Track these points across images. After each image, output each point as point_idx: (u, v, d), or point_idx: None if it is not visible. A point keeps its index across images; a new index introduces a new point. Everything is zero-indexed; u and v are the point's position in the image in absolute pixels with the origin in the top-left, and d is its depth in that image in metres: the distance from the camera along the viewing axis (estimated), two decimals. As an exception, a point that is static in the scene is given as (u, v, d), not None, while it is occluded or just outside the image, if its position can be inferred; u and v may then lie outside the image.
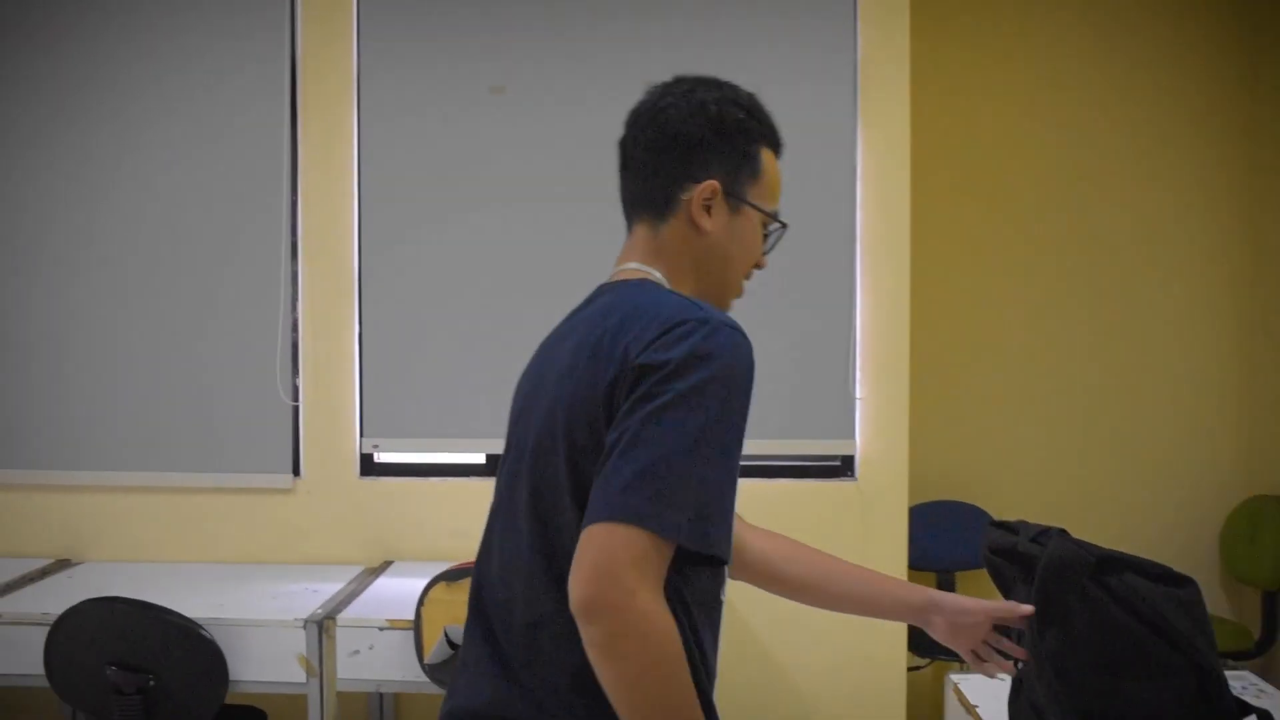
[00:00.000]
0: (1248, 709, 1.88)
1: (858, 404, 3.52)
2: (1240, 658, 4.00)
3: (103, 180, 3.64)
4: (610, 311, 1.55)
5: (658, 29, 3.54)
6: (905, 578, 3.54)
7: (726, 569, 1.61)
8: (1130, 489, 4.43)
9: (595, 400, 1.47)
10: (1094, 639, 1.80)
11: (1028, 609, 1.78)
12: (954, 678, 2.40)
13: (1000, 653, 1.90)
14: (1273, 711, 1.92)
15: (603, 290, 1.68)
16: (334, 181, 3.59)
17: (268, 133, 3.59)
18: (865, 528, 3.51)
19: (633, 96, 3.55)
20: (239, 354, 3.60)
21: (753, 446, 3.46)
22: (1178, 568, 4.47)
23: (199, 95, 3.61)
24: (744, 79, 3.39)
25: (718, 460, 1.42)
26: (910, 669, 3.69)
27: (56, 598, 3.08)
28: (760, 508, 3.53)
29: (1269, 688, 2.34)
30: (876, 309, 3.51)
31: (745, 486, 3.50)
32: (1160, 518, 4.42)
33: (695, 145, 1.63)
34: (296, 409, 3.60)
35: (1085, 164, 4.48)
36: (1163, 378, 4.48)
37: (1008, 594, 1.96)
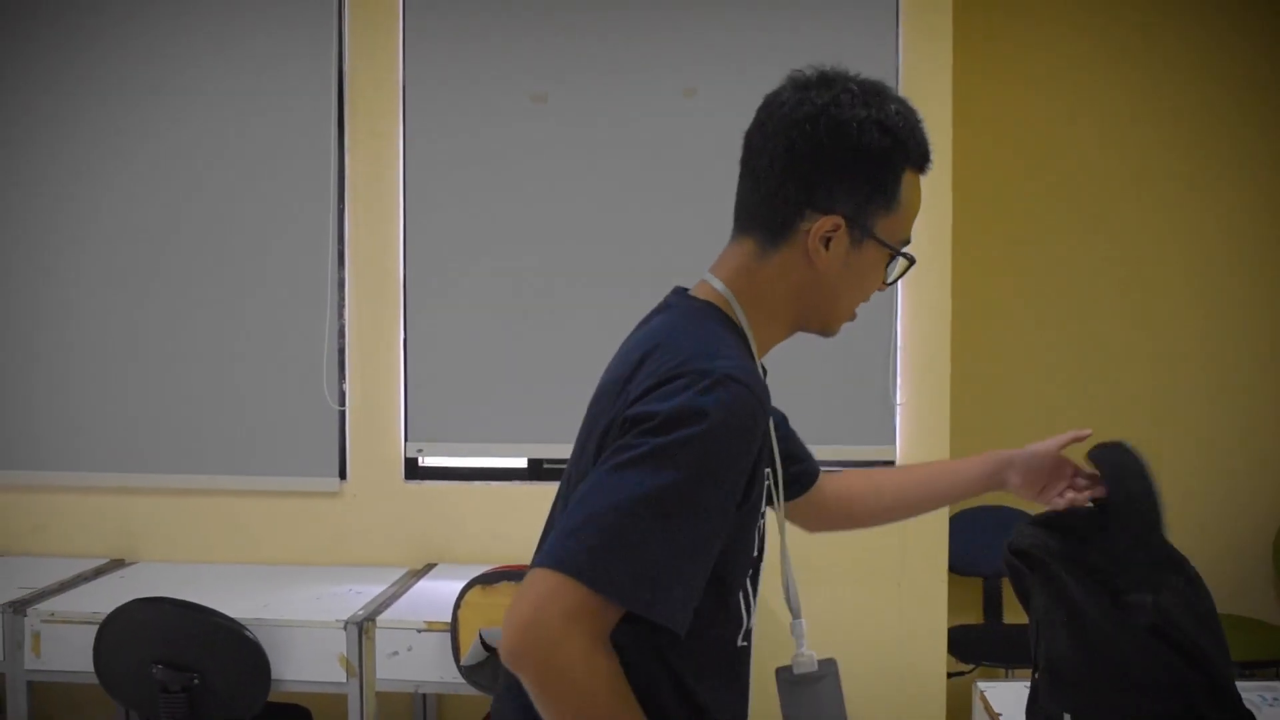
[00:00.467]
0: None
1: (898, 410, 3.52)
2: (1294, 667, 3.94)
3: (158, 192, 3.73)
4: (648, 342, 1.46)
5: (697, 40, 3.56)
6: (946, 582, 3.54)
7: (749, 623, 1.58)
8: (1180, 495, 4.36)
9: (594, 438, 1.43)
10: (1104, 648, 1.80)
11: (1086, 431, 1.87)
12: (981, 685, 2.40)
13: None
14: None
15: (666, 305, 1.59)
16: (380, 191, 3.65)
17: (315, 143, 3.66)
18: (905, 532, 3.50)
19: (672, 105, 3.58)
20: (287, 361, 3.67)
21: (793, 451, 3.46)
22: (1231, 575, 4.43)
23: (249, 107, 3.69)
24: (788, 75, 3.39)
25: (677, 524, 1.31)
26: (952, 675, 3.68)
27: (108, 597, 3.16)
28: (799, 513, 3.54)
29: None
30: (917, 316, 3.51)
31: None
32: (1211, 525, 4.36)
33: (826, 171, 1.47)
34: (343, 414, 3.66)
35: (1128, 172, 4.47)
36: (1215, 383, 4.43)
37: (1025, 602, 1.96)
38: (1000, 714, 2.23)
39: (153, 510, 3.74)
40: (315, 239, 3.66)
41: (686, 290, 1.58)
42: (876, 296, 3.43)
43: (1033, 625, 1.96)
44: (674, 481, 1.30)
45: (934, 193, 3.45)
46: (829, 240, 1.48)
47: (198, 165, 3.71)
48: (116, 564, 3.68)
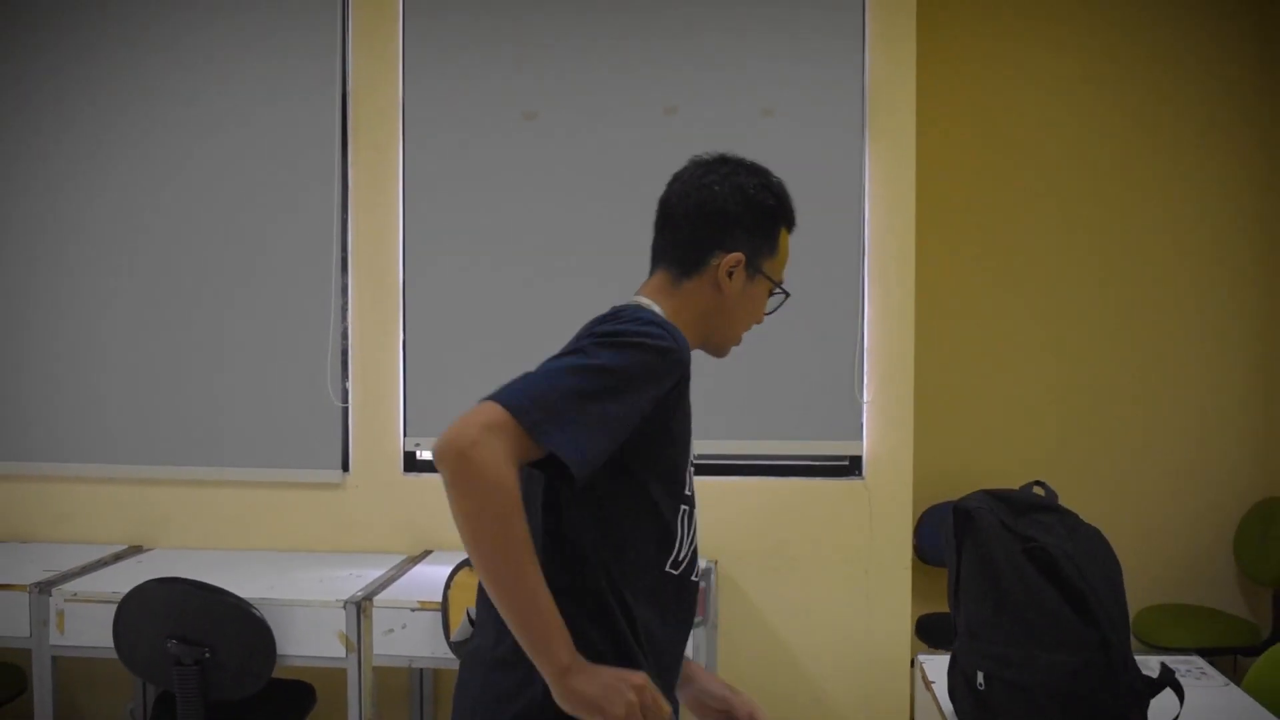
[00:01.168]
0: (1156, 686, 2.08)
1: (865, 407, 3.74)
2: (1248, 653, 4.14)
3: (176, 201, 3.96)
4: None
5: (677, 63, 3.78)
6: (910, 570, 3.76)
7: (680, 553, 1.83)
8: (1143, 491, 4.58)
9: None
10: (1008, 605, 2.02)
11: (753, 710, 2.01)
12: (921, 657, 2.61)
13: None
14: (1208, 695, 2.12)
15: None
16: (380, 201, 3.88)
17: (321, 157, 3.90)
18: (872, 523, 3.72)
19: (653, 122, 3.82)
20: (294, 360, 3.90)
21: (766, 447, 3.73)
22: (1192, 568, 4.71)
23: (261, 124, 3.92)
24: (762, 98, 3.66)
25: (594, 390, 1.63)
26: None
27: (127, 579, 3.39)
28: (770, 505, 3.78)
29: (1213, 671, 2.52)
30: (883, 318, 3.72)
31: (759, 483, 3.78)
32: (1174, 519, 4.57)
33: (732, 222, 1.90)
34: (346, 410, 3.90)
35: (1090, 169, 4.64)
36: (1176, 382, 4.63)
37: (955, 564, 2.18)
38: (933, 681, 2.43)
39: (168, 500, 3.98)
40: (320, 246, 3.89)
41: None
42: (841, 293, 3.69)
43: (953, 593, 2.19)
44: (600, 364, 1.65)
45: (898, 200, 3.70)
46: (732, 272, 1.89)
47: (214, 178, 3.95)
48: (134, 550, 3.92)
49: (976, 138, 4.66)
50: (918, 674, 2.59)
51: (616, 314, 1.78)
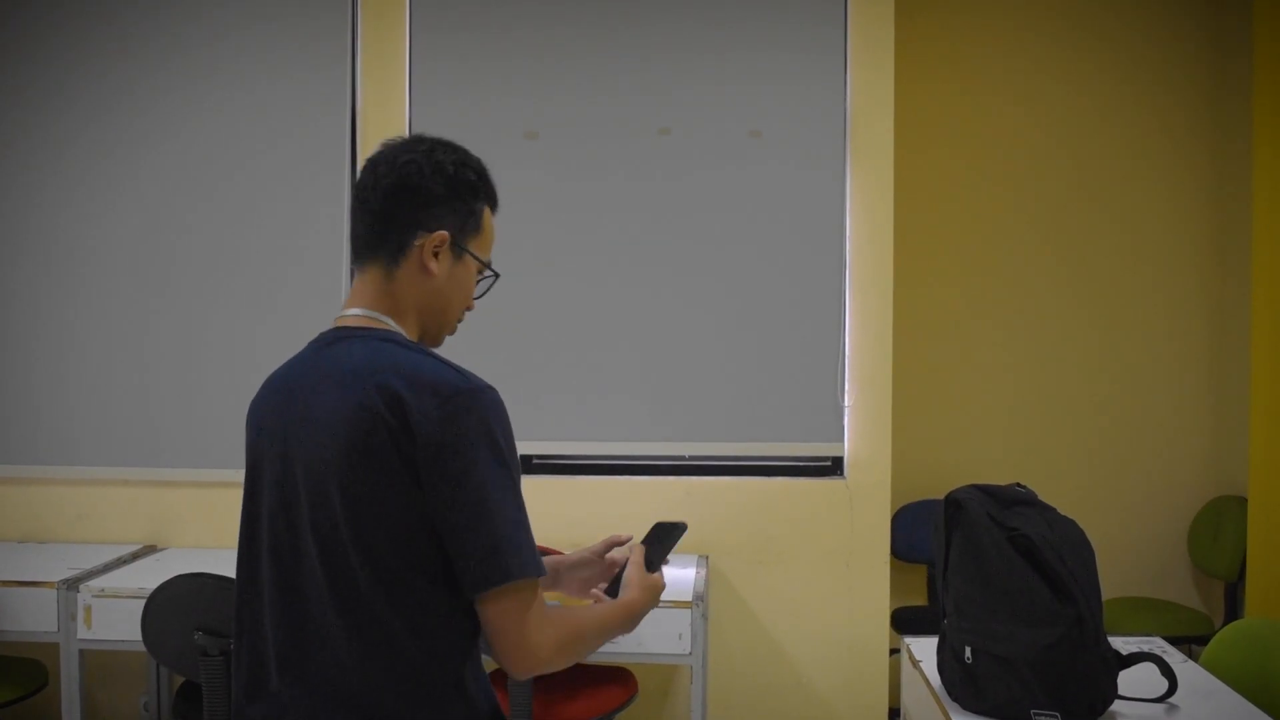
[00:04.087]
0: (1126, 661, 2.32)
1: (846, 411, 3.96)
2: (1201, 641, 4.39)
3: (190, 214, 4.13)
4: (370, 369, 1.74)
5: (671, 86, 4.00)
6: (888, 566, 3.99)
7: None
8: (1104, 490, 4.82)
9: (386, 465, 1.69)
10: (993, 586, 2.25)
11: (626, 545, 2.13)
12: (907, 639, 2.83)
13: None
14: (1172, 675, 2.35)
15: (342, 335, 1.85)
16: (387, 215, 4.06)
17: (330, 173, 4.08)
18: (852, 521, 3.95)
19: (648, 142, 4.02)
20: (304, 364, 4.07)
21: (752, 448, 3.95)
22: (1149, 562, 4.97)
23: (271, 141, 4.10)
24: (750, 120, 3.87)
25: (520, 499, 1.73)
26: (895, 651, 4.11)
27: (147, 576, 3.58)
28: (757, 503, 3.99)
29: (1173, 650, 2.75)
30: (863, 327, 3.95)
31: (747, 483, 3.99)
32: (1133, 517, 4.81)
33: (432, 199, 1.83)
34: (353, 414, 4.07)
35: (1058, 183, 4.87)
36: (1136, 385, 4.86)
37: (944, 551, 2.40)
38: (920, 660, 2.65)
39: (181, 500, 4.13)
40: (330, 259, 4.08)
41: (344, 328, 1.87)
42: (824, 305, 3.91)
43: (941, 577, 2.42)
44: (509, 475, 1.72)
45: (878, 214, 3.92)
46: (437, 253, 1.85)
47: (227, 192, 4.12)
48: (149, 549, 4.07)
49: (952, 154, 4.87)
50: (904, 655, 2.81)
51: (449, 400, 1.71)
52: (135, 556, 3.96)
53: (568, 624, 1.78)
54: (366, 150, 4.01)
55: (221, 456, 4.09)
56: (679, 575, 3.67)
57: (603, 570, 2.15)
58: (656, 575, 2.01)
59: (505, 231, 4.00)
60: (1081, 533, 2.32)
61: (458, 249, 1.88)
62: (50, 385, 4.18)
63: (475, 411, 1.71)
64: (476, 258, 1.91)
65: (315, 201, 4.09)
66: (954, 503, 2.39)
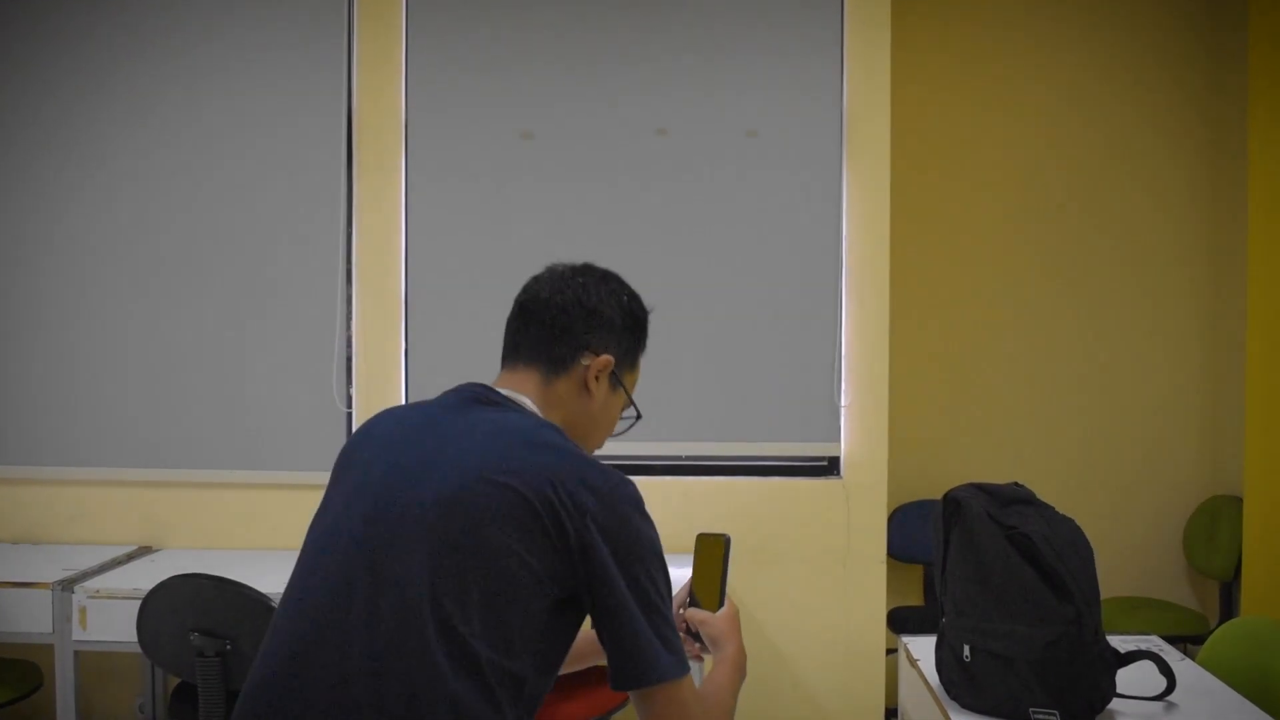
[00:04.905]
0: (1124, 659, 2.33)
1: (843, 412, 3.97)
2: (1197, 641, 4.40)
3: (189, 219, 4.12)
4: (532, 444, 1.69)
5: (668, 87, 4.01)
6: (885, 566, 3.99)
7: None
8: (1100, 491, 4.82)
9: (540, 537, 1.62)
10: (992, 584, 2.25)
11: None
12: (904, 639, 2.83)
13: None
14: (1170, 672, 2.35)
15: (496, 399, 1.81)
16: (384, 216, 4.06)
17: (327, 172, 4.07)
18: (849, 520, 3.95)
19: (645, 142, 4.02)
20: (301, 367, 4.08)
21: (750, 448, 3.96)
22: (1145, 562, 4.95)
23: (268, 141, 4.10)
24: (747, 121, 3.88)
25: (667, 601, 1.72)
26: (892, 651, 4.11)
27: (142, 577, 3.56)
28: (756, 503, 3.99)
29: (1169, 648, 2.75)
30: (860, 329, 3.95)
31: (743, 484, 4.00)
32: (1129, 517, 4.82)
33: (605, 323, 1.86)
34: (350, 415, 4.07)
35: (1056, 186, 4.87)
36: (1131, 386, 4.87)
37: (943, 550, 2.40)
38: (919, 659, 2.65)
39: (177, 501, 4.12)
40: (326, 259, 4.07)
41: (498, 393, 1.84)
42: (821, 305, 3.91)
43: (940, 575, 2.42)
44: (662, 589, 1.71)
45: (874, 216, 3.93)
46: (599, 376, 1.86)
47: (225, 193, 4.11)
48: (144, 550, 4.06)
49: (949, 156, 4.88)
50: (902, 654, 2.81)
51: (614, 501, 1.67)
52: (130, 557, 3.95)
53: (716, 707, 1.79)
54: (362, 152, 4.04)
55: (217, 458, 4.09)
56: (675, 575, 3.65)
57: None
58: (726, 609, 2.00)
59: (503, 230, 4.02)
60: (1080, 531, 2.32)
61: (615, 379, 1.89)
62: (43, 385, 4.17)
63: (637, 517, 1.70)
64: (628, 393, 1.94)
65: (311, 205, 4.08)
66: (952, 501, 2.38)
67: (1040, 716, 2.22)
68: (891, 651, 4.10)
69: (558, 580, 1.64)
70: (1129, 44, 4.86)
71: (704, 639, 1.98)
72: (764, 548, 3.99)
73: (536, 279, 1.94)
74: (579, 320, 1.85)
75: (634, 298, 1.95)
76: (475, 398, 1.82)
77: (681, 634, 2.00)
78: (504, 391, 1.84)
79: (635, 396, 1.96)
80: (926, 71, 4.83)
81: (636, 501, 1.70)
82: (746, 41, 3.98)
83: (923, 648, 2.68)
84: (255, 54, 4.11)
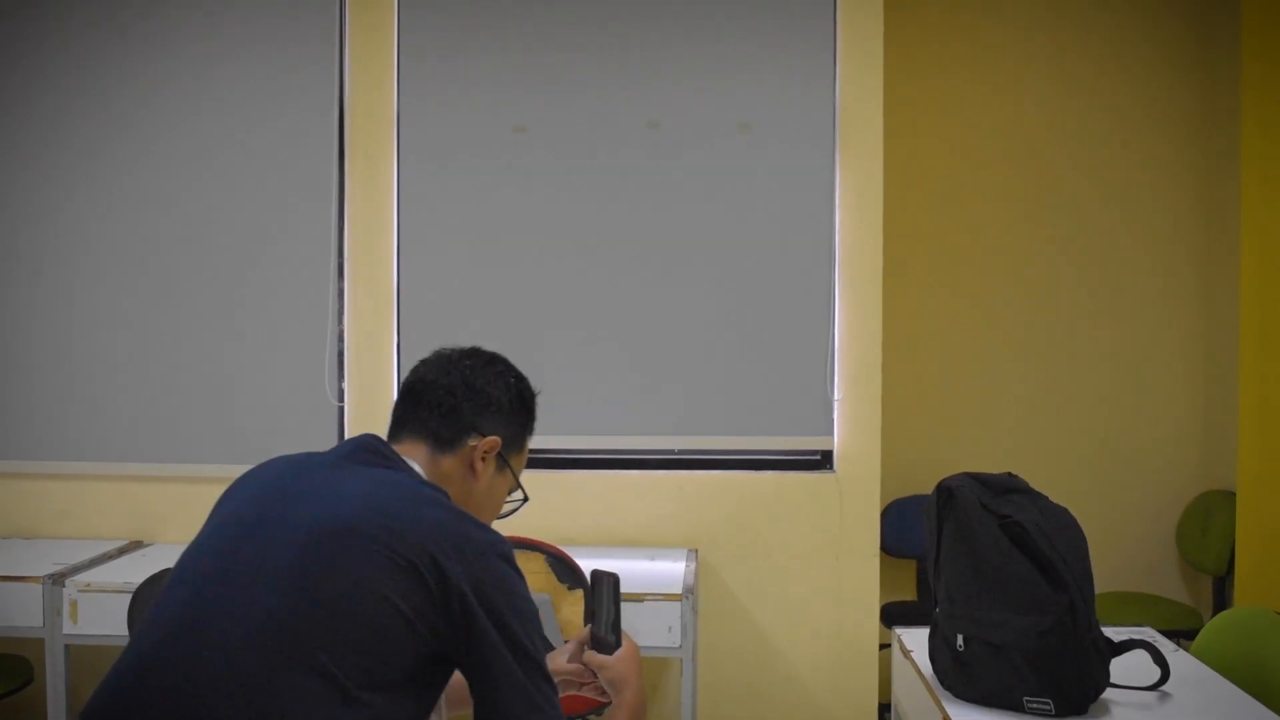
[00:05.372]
0: (1118, 648, 2.32)
1: (836, 405, 3.96)
2: (1190, 635, 4.39)
3: (178, 209, 4.11)
4: (418, 499, 1.71)
5: (659, 80, 4.00)
6: (878, 560, 3.98)
7: None
8: (1095, 485, 4.82)
9: (416, 587, 1.62)
10: (985, 573, 2.25)
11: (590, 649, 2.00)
12: (897, 630, 2.82)
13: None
14: (1164, 662, 2.35)
15: (387, 456, 1.81)
16: (376, 209, 4.05)
17: (318, 167, 4.06)
18: (842, 514, 3.94)
19: (637, 135, 4.01)
20: (293, 361, 4.07)
21: (744, 442, 3.95)
22: (1138, 557, 4.95)
23: (259, 134, 4.09)
24: (739, 113, 3.88)
25: (543, 660, 1.71)
26: (885, 646, 4.11)
27: (133, 571, 3.55)
28: (747, 498, 3.99)
29: (1163, 639, 2.75)
30: (853, 321, 3.94)
31: (738, 477, 4.00)
32: (1122, 512, 4.81)
33: (492, 405, 1.89)
34: (342, 410, 4.07)
35: (1048, 182, 4.87)
36: (1125, 380, 4.86)
37: (936, 538, 2.39)
38: (911, 650, 2.65)
39: (168, 496, 4.10)
40: (317, 252, 4.06)
41: (392, 452, 1.84)
42: (813, 298, 3.90)
43: (933, 565, 2.41)
44: (537, 649, 1.69)
45: (865, 192, 3.92)
46: (486, 457, 1.87)
47: (215, 187, 4.10)
48: (135, 545, 4.04)
49: (941, 147, 4.87)
50: (895, 645, 2.80)
51: (486, 557, 1.68)
52: (121, 552, 3.93)
53: None
54: (354, 145, 4.03)
55: (208, 452, 4.07)
56: (668, 569, 3.66)
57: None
58: (624, 649, 1.96)
59: (495, 224, 4.02)
60: (1074, 520, 2.31)
61: (502, 461, 1.91)
62: (33, 379, 4.16)
63: (512, 575, 1.71)
64: (515, 474, 1.95)
65: (303, 198, 4.07)
66: (946, 490, 2.38)
67: (1034, 705, 2.22)
68: (885, 647, 4.09)
69: (430, 628, 1.64)
70: (1121, 26, 4.86)
71: (604, 682, 1.95)
72: (756, 542, 3.98)
73: (423, 362, 1.95)
74: (466, 402, 1.87)
75: (521, 379, 1.98)
76: (369, 449, 1.83)
77: (580, 680, 2.02)
78: (397, 450, 1.85)
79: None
80: (919, 62, 4.83)
81: (512, 559, 1.71)
82: (738, 33, 3.97)
83: (916, 639, 2.68)
84: (246, 46, 4.10)
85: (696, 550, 3.93)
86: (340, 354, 4.07)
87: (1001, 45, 4.89)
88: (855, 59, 3.94)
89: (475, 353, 1.95)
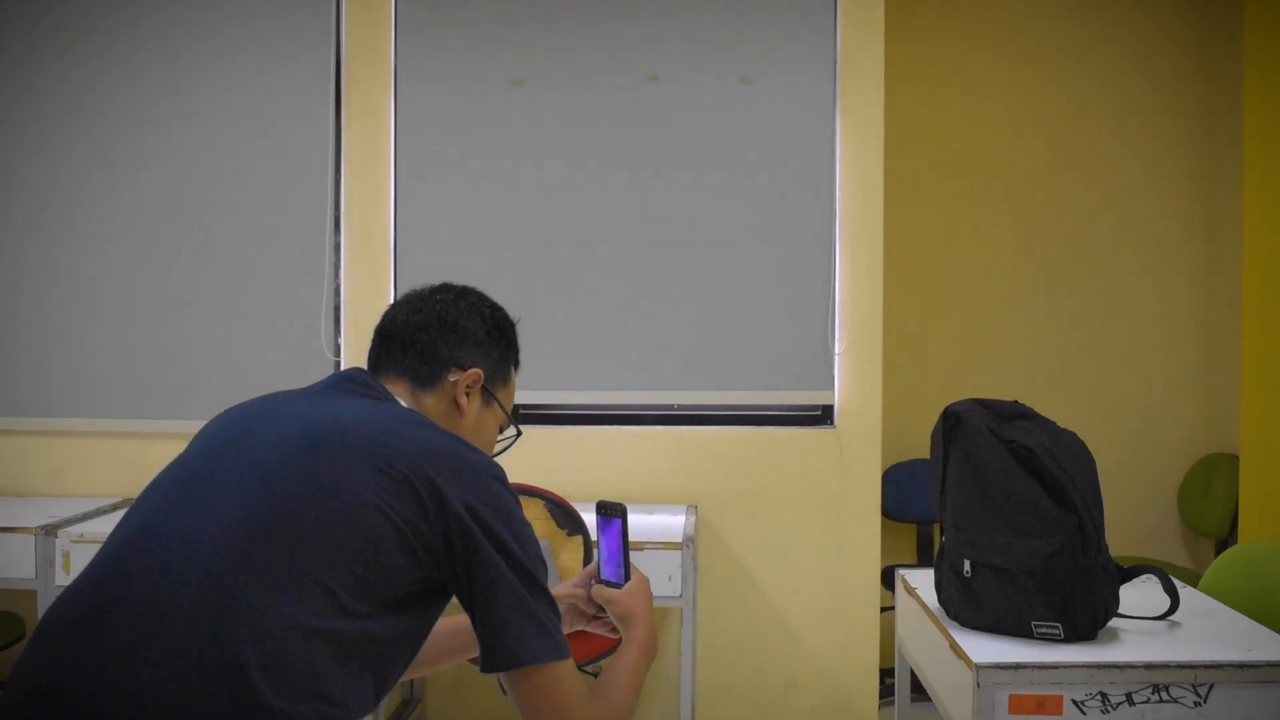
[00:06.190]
0: (1129, 575, 2.29)
1: (836, 359, 3.93)
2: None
3: (172, 165, 4.08)
4: (409, 421, 1.65)
5: (660, 32, 3.97)
6: (879, 515, 3.95)
7: None
8: (1096, 449, 4.73)
9: (413, 505, 1.54)
10: (993, 498, 2.22)
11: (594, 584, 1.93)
12: (901, 570, 2.79)
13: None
14: (1174, 590, 2.33)
15: (372, 388, 1.75)
16: (373, 162, 4.02)
17: (315, 119, 4.03)
18: (843, 470, 3.91)
19: (636, 89, 3.98)
20: (289, 314, 4.04)
21: (744, 397, 3.92)
22: (1140, 520, 4.93)
23: (255, 87, 4.05)
24: (740, 67, 3.85)
25: (543, 581, 1.62)
26: (886, 609, 4.08)
27: (128, 523, 3.52)
28: (747, 453, 3.96)
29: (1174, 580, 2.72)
30: (854, 273, 3.91)
31: (736, 433, 3.96)
32: (1124, 476, 4.78)
33: (468, 337, 1.80)
34: (338, 363, 4.03)
35: (1052, 131, 4.84)
36: (1127, 343, 4.84)
37: (942, 465, 2.36)
38: (916, 587, 2.62)
39: (162, 453, 3.98)
40: (314, 206, 4.03)
41: (376, 383, 1.78)
42: (814, 252, 3.88)
43: (939, 493, 2.38)
44: (536, 569, 1.61)
45: (868, 161, 3.89)
46: (469, 392, 1.79)
47: (210, 139, 4.07)
48: (129, 502, 4.00)
49: (943, 99, 4.84)
50: (899, 584, 2.77)
51: (479, 477, 1.61)
52: (116, 507, 3.90)
53: (612, 695, 1.70)
54: (351, 98, 4.00)
55: (204, 408, 3.97)
56: (668, 521, 3.63)
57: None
58: (633, 583, 1.88)
59: (493, 179, 3.98)
60: (1082, 443, 2.29)
61: (487, 394, 1.83)
62: (26, 336, 4.13)
63: (504, 494, 1.63)
64: (503, 408, 1.86)
65: (299, 152, 4.04)
66: (952, 416, 2.35)
67: (1043, 630, 2.19)
68: (886, 610, 4.06)
69: (426, 548, 1.56)
70: (1121, 20, 4.85)
71: (612, 617, 1.89)
72: (757, 499, 3.95)
73: (393, 304, 1.88)
74: (441, 337, 1.80)
75: (496, 309, 1.89)
76: (356, 380, 1.77)
77: (592, 614, 1.96)
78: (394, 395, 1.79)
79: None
80: (920, 16, 4.80)
81: (507, 483, 1.64)
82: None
83: (920, 578, 2.66)
84: (244, 6, 4.06)
85: (696, 507, 3.90)
86: (337, 308, 4.04)
87: (1004, 17, 4.86)
88: (856, 11, 3.91)
89: (446, 288, 1.87)
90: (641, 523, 3.58)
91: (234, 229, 4.06)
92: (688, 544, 3.37)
